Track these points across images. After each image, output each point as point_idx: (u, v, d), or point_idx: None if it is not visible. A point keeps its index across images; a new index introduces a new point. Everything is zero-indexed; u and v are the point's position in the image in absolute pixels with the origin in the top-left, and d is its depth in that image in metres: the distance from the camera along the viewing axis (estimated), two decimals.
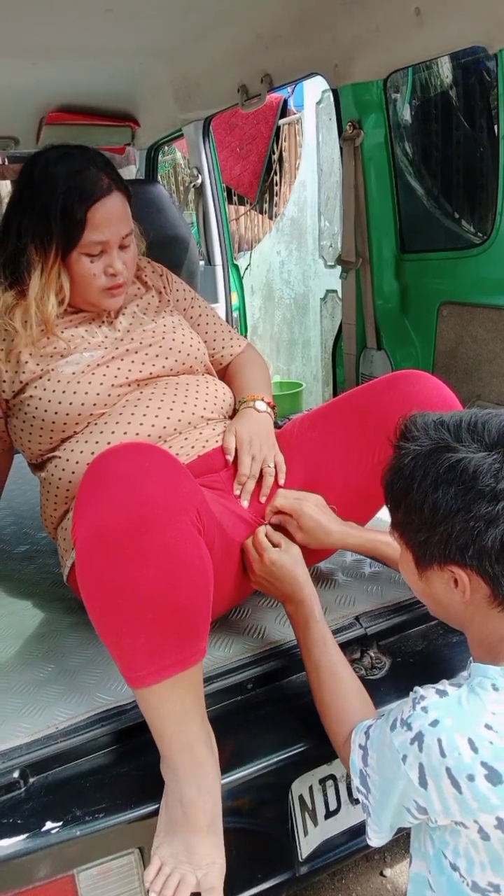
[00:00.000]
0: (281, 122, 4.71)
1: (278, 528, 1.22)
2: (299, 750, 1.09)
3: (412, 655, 1.25)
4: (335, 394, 2.48)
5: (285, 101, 4.67)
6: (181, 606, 0.90)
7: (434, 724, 0.78)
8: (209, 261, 3.08)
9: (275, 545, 1.16)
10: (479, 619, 0.83)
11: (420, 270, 2.06)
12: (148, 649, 0.90)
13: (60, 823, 0.95)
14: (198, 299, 1.56)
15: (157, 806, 0.98)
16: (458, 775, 0.75)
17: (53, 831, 0.94)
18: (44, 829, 0.95)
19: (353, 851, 1.18)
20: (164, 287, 1.50)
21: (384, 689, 1.17)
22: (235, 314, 3.26)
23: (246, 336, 3.48)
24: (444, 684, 0.82)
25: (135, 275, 1.44)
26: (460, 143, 2.71)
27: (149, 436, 1.23)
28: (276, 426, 1.41)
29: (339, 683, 1.05)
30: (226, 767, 1.01)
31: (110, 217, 1.23)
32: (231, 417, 1.39)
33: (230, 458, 1.26)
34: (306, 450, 1.27)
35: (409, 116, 2.77)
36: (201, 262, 2.98)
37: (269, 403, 1.39)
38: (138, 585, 0.87)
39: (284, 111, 4.70)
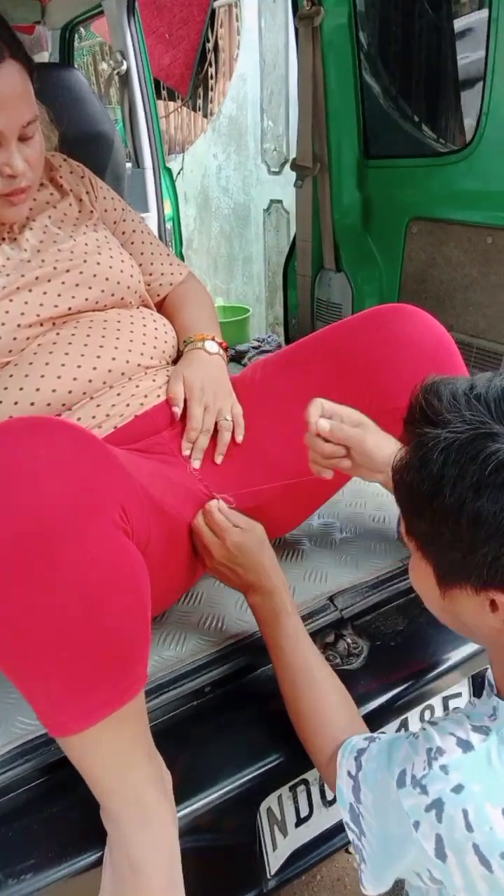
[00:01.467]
0: (216, 4, 4.18)
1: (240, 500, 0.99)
2: (270, 765, 0.91)
3: (393, 637, 1.09)
4: (286, 320, 2.24)
5: None
6: (107, 634, 0.69)
7: (457, 790, 0.61)
8: (137, 163, 2.73)
9: (233, 524, 0.95)
10: None
11: (386, 180, 1.81)
12: (67, 692, 0.69)
13: None
14: (129, 211, 1.27)
15: (99, 854, 0.79)
16: (489, 853, 0.59)
17: None
18: None
19: (327, 855, 1.04)
20: (88, 192, 1.19)
21: (363, 682, 1.01)
22: (169, 226, 2.93)
23: (181, 251, 3.17)
24: (464, 727, 0.64)
25: (46, 176, 1.13)
26: (439, 30, 2.39)
27: (70, 392, 0.97)
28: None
29: (318, 689, 0.87)
30: (182, 794, 0.84)
31: (4, 95, 0.91)
32: (175, 362, 1.14)
33: (178, 410, 1.02)
34: (274, 401, 1.04)
35: None
36: (128, 165, 2.62)
37: (221, 344, 1.14)
38: (46, 622, 0.66)
39: None
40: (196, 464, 1.01)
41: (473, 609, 0.63)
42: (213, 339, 1.13)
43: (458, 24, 2.73)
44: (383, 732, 0.97)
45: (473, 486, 0.57)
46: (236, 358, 2.11)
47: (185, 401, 1.03)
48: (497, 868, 0.59)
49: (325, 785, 1.01)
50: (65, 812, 0.84)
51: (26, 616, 0.65)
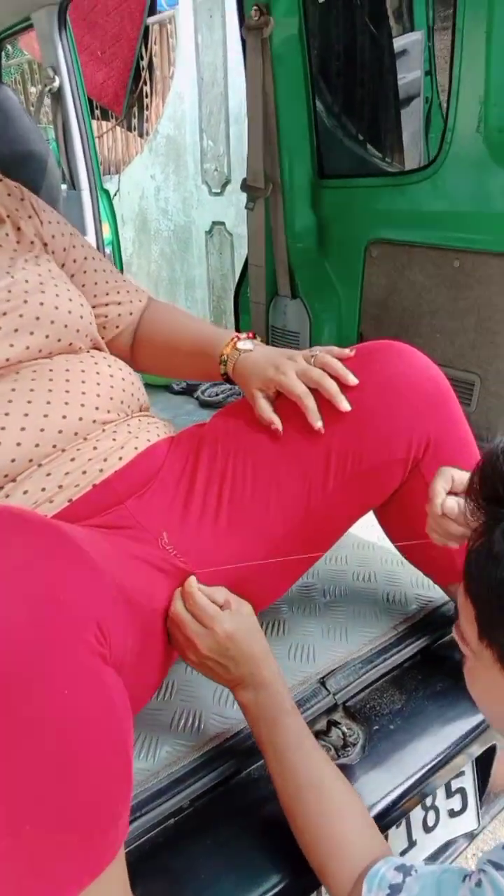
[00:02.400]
0: (149, 20, 4.07)
1: (219, 575, 0.84)
2: (273, 891, 0.76)
3: (391, 719, 0.95)
4: None
5: None
6: (83, 796, 0.53)
7: None
8: (73, 185, 2.58)
9: (220, 606, 0.79)
10: None
11: (343, 201, 1.70)
12: (32, 873, 0.52)
13: None
14: (78, 235, 1.11)
15: None
16: None
17: None
18: None
19: None
20: (31, 216, 1.03)
21: (363, 777, 0.87)
22: (108, 249, 2.79)
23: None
24: None
25: None
26: (382, 48, 2.33)
27: (13, 461, 0.80)
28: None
29: (330, 804, 0.72)
30: None
31: None
32: (143, 409, 0.99)
33: (278, 426, 0.87)
34: (251, 459, 0.89)
35: (330, 3, 2.35)
36: (63, 187, 2.47)
37: (249, 335, 1.00)
38: (5, 788, 0.50)
39: (153, 8, 4.06)
40: (317, 424, 0.85)
41: None
42: (238, 340, 0.98)
43: (400, 42, 2.70)
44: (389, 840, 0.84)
45: None
46: (188, 391, 1.97)
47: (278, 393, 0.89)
48: None
49: None
50: None
51: None
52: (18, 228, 1.00)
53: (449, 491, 0.71)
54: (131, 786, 0.59)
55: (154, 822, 0.79)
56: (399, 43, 2.75)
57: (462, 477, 0.71)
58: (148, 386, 1.99)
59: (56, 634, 0.52)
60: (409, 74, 2.69)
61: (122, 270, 3.06)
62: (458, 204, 1.44)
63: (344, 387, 0.85)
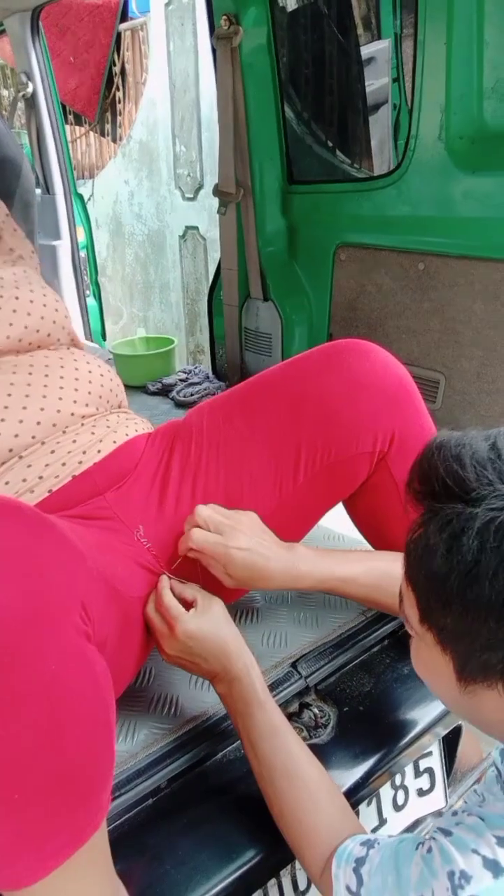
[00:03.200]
0: (121, 27, 4.10)
1: (190, 564, 0.88)
2: (243, 869, 0.79)
3: (360, 701, 1.00)
4: (212, 350, 2.15)
5: (125, 3, 4.05)
6: (72, 765, 0.56)
7: None
8: (47, 189, 2.60)
9: (187, 604, 0.83)
10: None
11: (312, 206, 1.75)
12: (22, 838, 0.55)
13: None
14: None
15: None
16: None
17: None
18: None
19: None
20: (14, 230, 1.10)
21: (334, 756, 0.91)
22: (83, 253, 2.81)
23: (97, 278, 3.04)
24: (488, 842, 0.55)
25: None
26: (349, 56, 2.39)
27: None
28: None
29: (303, 787, 0.75)
30: None
31: None
32: (121, 406, 1.02)
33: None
34: (223, 453, 0.93)
35: (298, 13, 2.39)
36: (38, 191, 2.49)
37: None
38: None
39: (125, 15, 4.09)
40: None
41: (497, 706, 0.55)
42: None
43: (363, 52, 2.76)
44: (360, 817, 0.88)
45: None
46: (164, 391, 2.00)
47: None
48: None
49: (297, 875, 0.91)
50: None
51: None
52: (0, 238, 1.04)
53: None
54: (114, 759, 0.63)
55: (133, 802, 0.83)
56: (367, 51, 2.82)
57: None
58: (125, 387, 2.03)
59: (44, 611, 0.55)
60: (376, 81, 2.75)
61: (96, 273, 3.08)
62: (421, 209, 1.49)
63: (312, 384, 0.90)
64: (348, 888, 0.65)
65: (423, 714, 0.99)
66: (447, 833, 0.59)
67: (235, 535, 0.84)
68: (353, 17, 2.77)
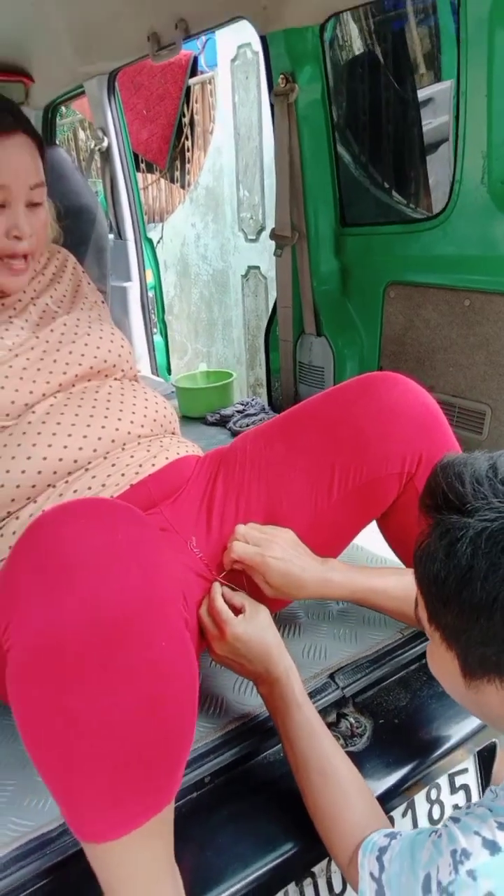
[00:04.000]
0: (191, 81, 4.36)
1: (239, 575, 0.97)
2: (279, 860, 0.85)
3: (396, 714, 1.05)
4: (269, 383, 2.25)
5: (195, 59, 4.31)
6: (162, 739, 0.65)
7: None
8: (119, 234, 2.78)
9: (237, 610, 0.91)
10: None
11: (363, 247, 1.84)
12: (110, 798, 0.64)
13: None
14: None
15: None
16: None
17: None
18: None
19: None
20: (88, 283, 1.25)
21: (368, 764, 0.96)
22: (151, 294, 2.98)
23: (164, 317, 3.21)
24: (489, 826, 0.61)
25: (54, 261, 1.19)
26: (405, 101, 2.50)
27: (60, 460, 0.96)
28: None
29: (335, 785, 0.82)
30: None
31: (12, 160, 0.98)
32: (174, 433, 1.14)
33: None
34: (264, 473, 1.02)
35: (345, 73, 2.53)
36: (110, 236, 2.67)
37: None
38: (108, 719, 0.61)
39: (194, 70, 4.35)
40: None
41: (501, 701, 0.61)
42: None
43: (422, 94, 2.86)
44: (396, 828, 0.93)
45: None
46: (221, 422, 2.10)
47: None
48: None
49: (332, 877, 0.96)
50: None
51: (88, 712, 0.61)
52: (78, 286, 1.20)
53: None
54: (192, 740, 0.71)
55: (179, 794, 0.90)
56: (427, 92, 2.92)
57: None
58: (186, 418, 2.15)
59: (156, 597, 0.64)
60: (434, 120, 2.84)
61: (163, 312, 3.25)
62: (466, 249, 1.56)
63: (346, 411, 0.98)
64: (371, 875, 0.70)
65: (458, 729, 1.03)
66: (456, 820, 0.64)
67: (271, 547, 0.93)
68: (410, 62, 2.88)
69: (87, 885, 0.71)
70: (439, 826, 0.67)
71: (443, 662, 0.64)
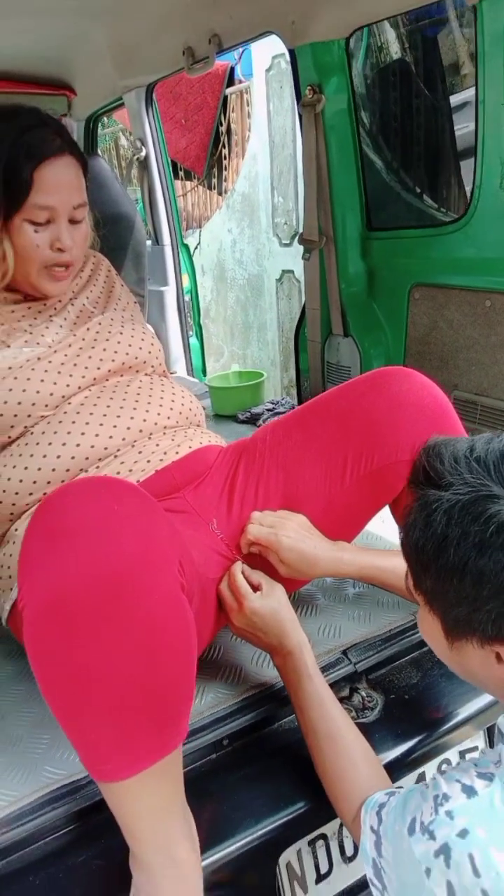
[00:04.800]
0: (228, 91, 4.47)
1: (257, 558, 1.05)
2: (289, 816, 0.93)
3: (407, 690, 1.11)
4: (298, 383, 2.32)
5: (232, 70, 4.42)
6: (162, 687, 0.73)
7: (463, 834, 0.62)
8: (157, 240, 2.88)
9: (255, 587, 0.99)
10: None
11: (389, 250, 1.90)
12: (118, 740, 0.72)
13: None
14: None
15: None
16: None
17: None
18: None
19: None
20: (122, 286, 1.36)
21: (379, 735, 1.03)
22: (187, 297, 3.07)
23: (199, 320, 3.30)
24: (469, 774, 0.67)
25: (91, 265, 1.30)
26: (432, 111, 2.55)
27: (92, 447, 1.06)
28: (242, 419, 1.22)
29: (343, 750, 0.89)
30: (203, 846, 0.85)
31: (60, 181, 1.09)
32: (198, 425, 1.22)
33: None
34: (282, 461, 1.10)
35: (372, 82, 2.59)
36: (148, 242, 2.77)
37: None
38: (109, 668, 0.70)
39: (231, 80, 4.46)
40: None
41: (480, 660, 0.67)
42: None
43: (459, 97, 2.89)
44: (401, 787, 0.99)
45: (476, 546, 0.61)
46: (252, 420, 2.18)
47: None
48: None
49: (344, 841, 1.02)
50: (89, 860, 0.86)
51: (93, 662, 0.69)
52: (112, 289, 1.31)
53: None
54: (193, 692, 0.79)
55: (199, 754, 0.98)
56: (459, 97, 2.96)
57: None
58: (218, 416, 2.23)
59: (152, 558, 0.72)
60: (470, 124, 2.87)
61: (199, 315, 3.34)
62: (487, 251, 1.61)
63: (358, 402, 1.05)
64: (371, 828, 0.77)
65: (467, 707, 1.09)
66: (443, 773, 0.70)
67: (284, 527, 1.01)
68: (441, 68, 2.91)
69: (111, 829, 0.80)
70: (429, 780, 0.73)
71: (429, 626, 0.71)
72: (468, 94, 3.03)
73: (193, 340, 3.19)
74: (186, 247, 3.06)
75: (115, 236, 2.18)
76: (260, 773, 0.98)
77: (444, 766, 1.03)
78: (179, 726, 0.76)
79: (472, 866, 0.61)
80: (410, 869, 0.67)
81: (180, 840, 0.79)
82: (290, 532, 1.01)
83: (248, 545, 1.03)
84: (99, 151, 3.28)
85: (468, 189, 2.74)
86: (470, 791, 0.65)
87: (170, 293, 2.92)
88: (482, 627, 0.64)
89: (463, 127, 2.78)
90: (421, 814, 0.67)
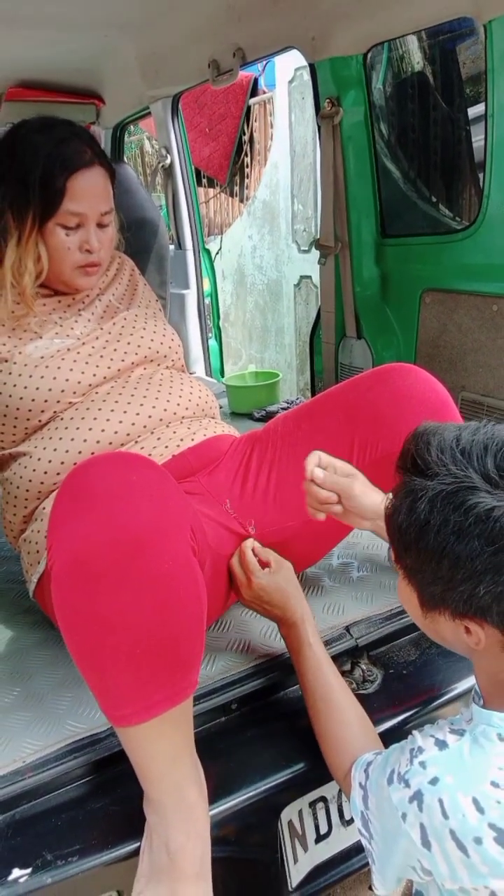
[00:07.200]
0: (251, 101, 4.57)
1: (268, 537, 1.12)
2: (290, 775, 1.01)
3: (405, 666, 1.18)
4: (312, 384, 2.40)
5: (256, 80, 4.53)
6: (174, 639, 0.81)
7: (434, 781, 0.70)
8: (179, 245, 2.97)
9: (263, 564, 1.07)
10: (491, 660, 0.74)
11: (402, 256, 1.98)
12: (135, 686, 0.80)
13: (29, 870, 0.86)
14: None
15: (137, 845, 0.89)
16: (463, 838, 0.67)
17: (21, 879, 0.85)
18: (10, 876, 0.85)
19: (345, 875, 1.11)
20: (145, 285, 1.46)
21: (377, 705, 1.10)
22: (207, 301, 3.16)
23: (219, 323, 3.39)
24: (443, 730, 0.74)
25: (117, 264, 1.39)
26: (444, 123, 2.63)
27: (115, 433, 1.15)
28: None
29: (337, 712, 0.97)
30: (210, 798, 0.93)
31: (90, 189, 1.18)
32: (213, 417, 1.31)
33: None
34: (293, 448, 1.18)
35: (390, 94, 2.67)
36: (171, 247, 2.87)
37: None
38: (127, 619, 0.78)
39: (255, 90, 4.56)
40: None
41: (451, 630, 0.74)
42: None
43: (477, 109, 2.95)
44: None
45: (455, 533, 0.66)
46: (267, 417, 2.26)
47: None
48: (473, 852, 0.67)
49: (343, 805, 1.10)
50: (107, 806, 0.94)
51: (113, 613, 0.77)
52: (136, 288, 1.40)
53: (317, 465, 0.99)
54: (203, 649, 0.86)
55: (208, 715, 1.06)
56: (477, 109, 3.02)
57: (327, 458, 1.00)
58: (234, 414, 2.31)
59: (166, 522, 0.81)
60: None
61: (219, 318, 3.42)
62: (494, 258, 1.68)
63: (364, 395, 1.13)
64: (360, 784, 0.84)
65: (460, 684, 1.15)
66: (421, 730, 0.78)
67: (357, 481, 1.00)
68: (460, 80, 2.98)
69: (128, 779, 0.88)
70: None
71: (407, 595, 0.77)
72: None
73: (212, 342, 3.28)
74: (208, 252, 3.16)
75: (139, 240, 2.28)
76: (264, 736, 1.06)
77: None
78: (190, 677, 0.84)
79: (441, 809, 0.68)
80: (389, 815, 0.74)
81: (190, 784, 0.86)
82: (360, 484, 1.00)
83: (316, 495, 1.00)
84: (125, 159, 3.39)
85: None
86: (442, 744, 0.72)
87: (191, 296, 3.01)
88: (454, 605, 0.70)
89: (481, 138, 2.84)
90: (399, 765, 0.74)
